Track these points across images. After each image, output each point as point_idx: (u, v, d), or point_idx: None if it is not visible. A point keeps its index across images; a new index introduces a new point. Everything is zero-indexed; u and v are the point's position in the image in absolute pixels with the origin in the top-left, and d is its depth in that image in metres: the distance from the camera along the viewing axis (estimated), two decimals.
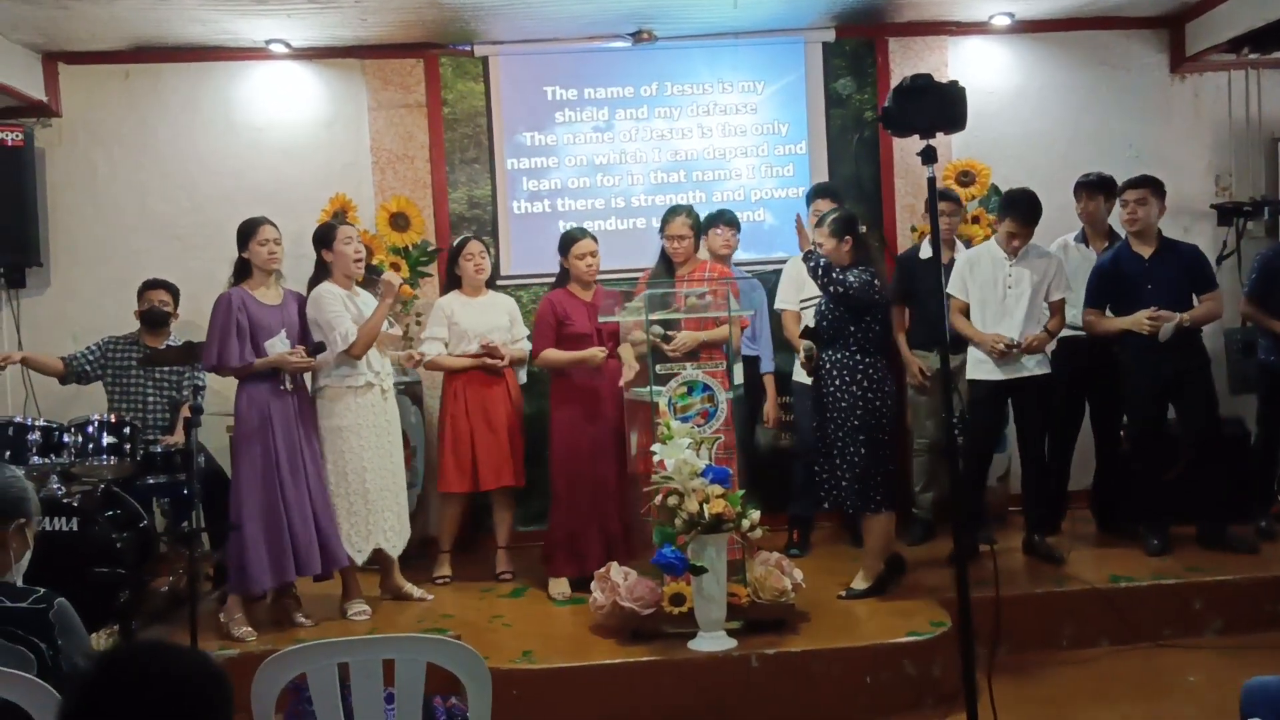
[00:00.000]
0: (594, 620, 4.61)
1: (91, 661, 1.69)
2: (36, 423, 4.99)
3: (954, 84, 3.34)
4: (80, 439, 4.98)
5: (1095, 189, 5.65)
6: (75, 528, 4.72)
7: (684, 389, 4.69)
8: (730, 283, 5.17)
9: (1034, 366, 5.20)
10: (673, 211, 5.36)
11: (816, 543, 5.81)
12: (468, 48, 6.33)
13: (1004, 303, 5.22)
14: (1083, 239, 5.73)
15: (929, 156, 3.32)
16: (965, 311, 5.30)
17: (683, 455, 4.25)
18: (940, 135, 3.41)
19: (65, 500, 4.76)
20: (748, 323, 5.52)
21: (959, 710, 3.58)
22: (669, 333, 4.94)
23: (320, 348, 4.80)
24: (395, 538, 5.03)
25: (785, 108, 6.45)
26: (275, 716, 2.40)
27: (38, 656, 2.31)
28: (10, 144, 5.88)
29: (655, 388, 4.69)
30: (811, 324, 5.05)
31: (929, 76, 3.34)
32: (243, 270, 4.84)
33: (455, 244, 5.69)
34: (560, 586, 5.17)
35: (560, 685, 4.22)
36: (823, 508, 5.03)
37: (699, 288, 5.10)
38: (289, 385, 4.78)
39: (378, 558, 5.07)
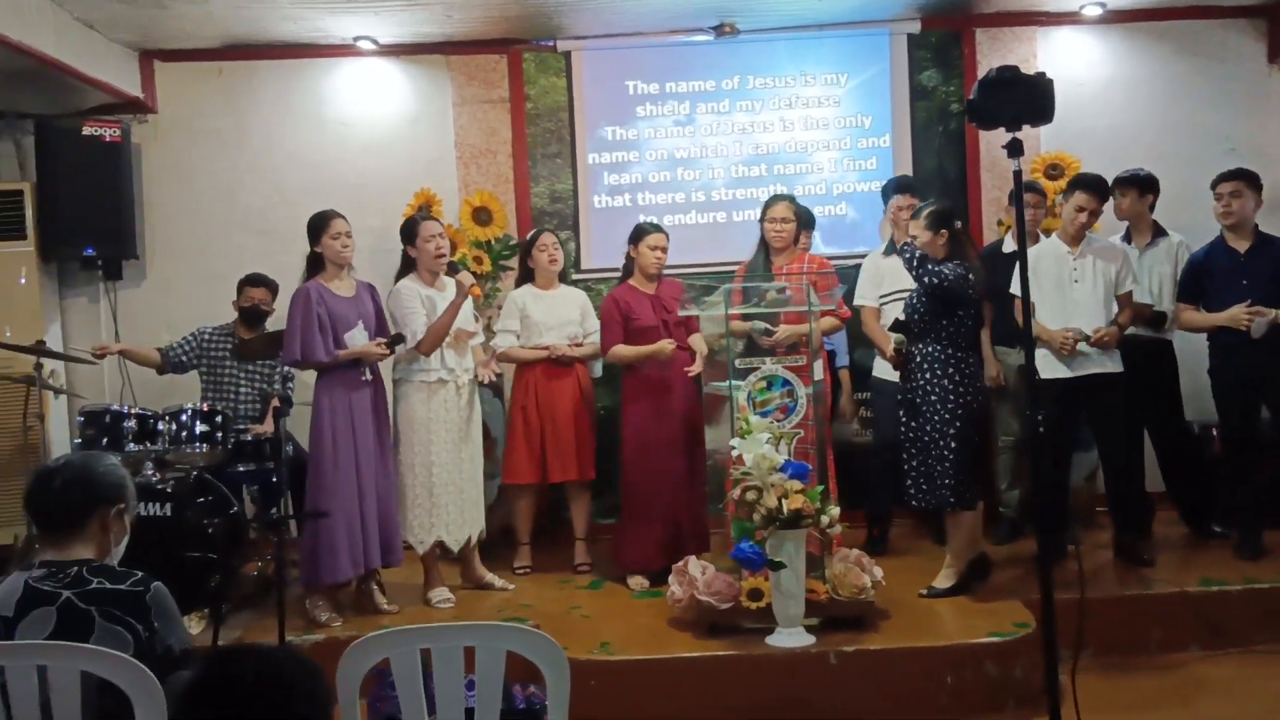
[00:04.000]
0: (671, 614, 4.61)
1: (195, 663, 1.73)
2: (133, 410, 5.12)
3: (1041, 75, 3.28)
4: (174, 427, 5.09)
5: (1144, 187, 5.52)
6: (168, 513, 4.84)
7: (764, 384, 4.67)
8: (828, 274, 5.14)
9: (1104, 363, 5.06)
10: (775, 197, 5.43)
11: (896, 540, 5.74)
12: (551, 43, 6.38)
13: (1070, 297, 5.10)
14: (1126, 238, 5.59)
15: (1015, 149, 3.26)
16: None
17: (761, 450, 4.23)
18: (1028, 128, 3.35)
19: (159, 486, 4.89)
20: (849, 314, 5.44)
21: (1041, 713, 3.52)
22: (769, 326, 4.93)
23: (399, 339, 4.85)
24: (457, 531, 5.02)
25: (869, 100, 6.39)
26: (359, 700, 2.45)
27: (134, 637, 2.37)
28: (109, 139, 6.06)
29: (735, 382, 4.68)
30: (891, 320, 4.98)
31: (1015, 68, 3.28)
32: (315, 264, 4.85)
33: (529, 236, 5.74)
34: (637, 579, 5.20)
35: (637, 677, 4.23)
36: (912, 506, 4.90)
37: (780, 282, 5.09)
38: (368, 376, 4.85)
39: (459, 548, 5.14)
